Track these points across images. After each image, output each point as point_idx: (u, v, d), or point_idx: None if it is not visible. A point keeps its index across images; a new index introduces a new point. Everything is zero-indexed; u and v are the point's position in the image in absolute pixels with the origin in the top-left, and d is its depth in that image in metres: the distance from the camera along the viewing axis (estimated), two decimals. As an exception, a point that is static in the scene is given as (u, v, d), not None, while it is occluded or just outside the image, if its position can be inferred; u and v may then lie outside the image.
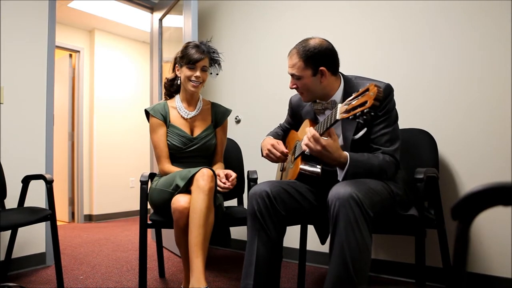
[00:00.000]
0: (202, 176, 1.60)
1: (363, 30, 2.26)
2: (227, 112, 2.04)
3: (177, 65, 1.93)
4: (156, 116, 1.90)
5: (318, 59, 1.45)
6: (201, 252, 1.54)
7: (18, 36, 2.41)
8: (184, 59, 1.86)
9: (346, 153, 1.34)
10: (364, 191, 1.22)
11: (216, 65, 1.98)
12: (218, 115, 2.01)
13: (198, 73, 1.84)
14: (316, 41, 1.48)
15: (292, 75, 1.50)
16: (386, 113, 1.43)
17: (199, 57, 1.84)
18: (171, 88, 2.01)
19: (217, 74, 2.01)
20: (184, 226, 1.62)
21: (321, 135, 1.31)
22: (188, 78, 1.86)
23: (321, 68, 1.46)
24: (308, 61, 1.45)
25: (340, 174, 1.37)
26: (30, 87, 2.46)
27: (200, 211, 1.56)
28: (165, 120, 1.91)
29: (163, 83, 2.10)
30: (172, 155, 1.91)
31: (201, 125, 1.96)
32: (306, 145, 1.30)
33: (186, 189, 1.65)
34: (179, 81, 1.96)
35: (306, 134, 1.31)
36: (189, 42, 1.93)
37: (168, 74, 2.04)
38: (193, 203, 1.58)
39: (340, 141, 1.51)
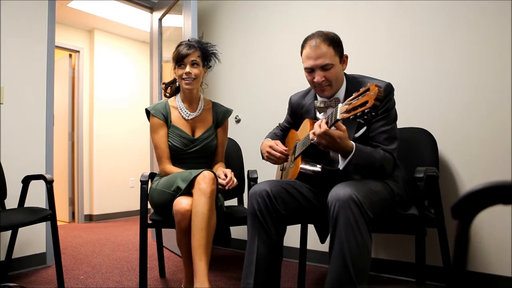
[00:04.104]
0: (204, 179, 1.59)
1: (363, 30, 2.26)
2: (228, 112, 2.03)
3: (173, 69, 1.93)
4: (157, 116, 1.88)
5: (341, 45, 1.50)
6: (205, 255, 1.54)
7: (18, 36, 2.41)
8: (174, 59, 1.86)
9: (352, 143, 1.33)
10: (363, 192, 1.22)
11: (213, 58, 1.94)
12: (219, 116, 2.00)
13: (187, 69, 1.82)
14: (328, 31, 1.50)
15: (322, 66, 1.44)
16: (385, 111, 1.43)
17: (186, 52, 1.82)
18: (167, 92, 2.02)
19: (210, 67, 1.97)
20: (186, 228, 1.61)
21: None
22: (180, 77, 1.85)
23: (345, 54, 1.51)
24: (336, 47, 1.46)
25: (342, 163, 1.36)
26: (30, 87, 2.46)
27: (202, 215, 1.55)
28: (166, 120, 1.90)
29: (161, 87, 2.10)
30: (173, 155, 1.90)
31: (202, 126, 1.95)
32: (318, 136, 1.29)
33: (188, 191, 1.64)
34: (177, 84, 1.97)
35: (316, 127, 1.30)
36: (180, 42, 1.91)
37: (169, 75, 2.03)
38: (195, 207, 1.57)
39: None
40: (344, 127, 1.30)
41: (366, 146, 1.39)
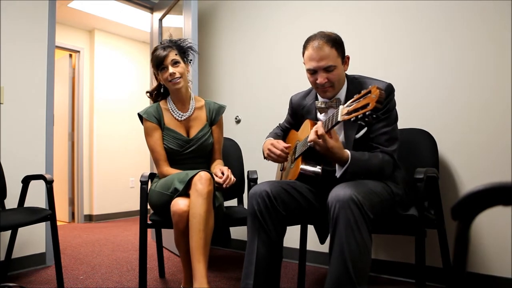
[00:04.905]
0: (200, 180, 1.59)
1: (363, 30, 2.26)
2: (221, 109, 2.01)
3: (156, 75, 1.92)
4: (150, 119, 1.87)
5: (343, 46, 1.50)
6: (203, 257, 1.53)
7: (18, 36, 2.41)
8: (154, 65, 1.85)
9: (348, 152, 1.34)
10: (364, 193, 1.22)
11: (191, 52, 1.93)
12: (212, 113, 1.98)
13: (170, 70, 1.81)
14: (329, 31, 1.50)
15: (325, 68, 1.43)
16: (386, 112, 1.43)
17: (163, 54, 1.81)
18: (153, 98, 2.01)
19: (191, 61, 1.95)
20: (183, 229, 1.61)
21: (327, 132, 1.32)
22: (166, 80, 1.83)
23: (347, 55, 1.51)
24: (339, 49, 1.46)
25: (339, 171, 1.38)
26: (30, 87, 2.46)
27: (199, 216, 1.55)
28: (160, 122, 1.89)
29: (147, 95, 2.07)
30: (170, 157, 1.89)
31: (197, 125, 1.94)
32: (313, 141, 1.32)
33: (185, 192, 1.63)
34: (162, 89, 1.96)
35: (312, 130, 1.33)
36: (154, 48, 1.89)
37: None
38: (192, 208, 1.57)
39: (342, 139, 1.51)
40: (337, 136, 1.32)
41: (364, 153, 1.40)
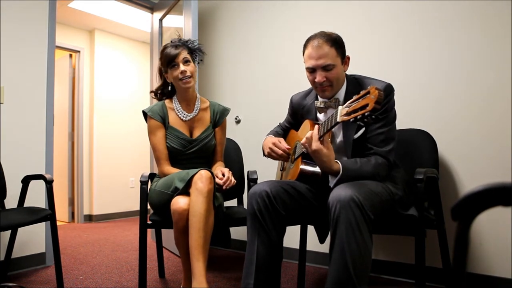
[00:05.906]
0: (201, 178, 1.59)
1: (362, 31, 2.26)
2: (225, 111, 2.02)
3: (164, 73, 1.92)
4: (155, 117, 1.87)
5: (343, 46, 1.50)
6: (202, 256, 1.53)
7: (18, 36, 2.41)
8: (165, 62, 1.85)
9: (339, 164, 1.35)
10: (364, 193, 1.22)
11: (199, 52, 1.94)
12: (216, 115, 1.99)
13: (182, 68, 1.81)
14: (330, 31, 1.50)
15: (324, 66, 1.44)
16: (384, 112, 1.43)
17: (175, 52, 1.81)
18: (158, 98, 2.00)
19: (201, 60, 1.97)
20: (183, 227, 1.61)
21: (321, 136, 1.32)
22: (176, 78, 1.83)
23: (347, 55, 1.52)
24: (338, 48, 1.47)
25: (332, 181, 1.39)
26: (30, 87, 2.46)
27: (199, 214, 1.55)
28: (164, 121, 1.89)
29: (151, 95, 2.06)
30: (172, 157, 1.89)
31: (200, 126, 1.94)
32: (303, 144, 1.35)
33: (185, 191, 1.64)
34: (169, 87, 1.96)
35: (306, 135, 1.34)
36: (164, 46, 1.90)
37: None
38: (193, 206, 1.57)
39: (341, 139, 1.51)
40: (329, 145, 1.33)
41: (356, 161, 1.40)
